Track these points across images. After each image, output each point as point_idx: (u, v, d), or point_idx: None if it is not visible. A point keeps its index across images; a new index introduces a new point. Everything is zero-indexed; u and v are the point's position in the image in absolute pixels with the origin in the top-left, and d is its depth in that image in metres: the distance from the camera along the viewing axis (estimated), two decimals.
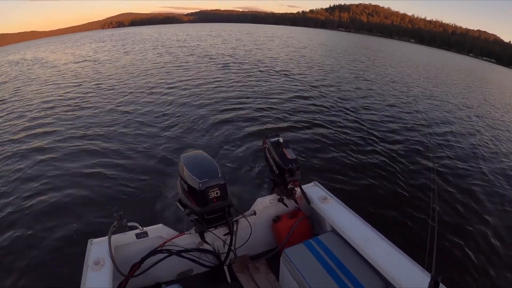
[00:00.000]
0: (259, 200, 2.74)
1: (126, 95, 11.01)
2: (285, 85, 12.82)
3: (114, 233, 2.21)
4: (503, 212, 5.35)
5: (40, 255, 3.77)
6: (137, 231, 2.31)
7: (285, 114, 8.88)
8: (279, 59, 21.06)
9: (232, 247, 2.43)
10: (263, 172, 5.12)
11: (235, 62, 18.31)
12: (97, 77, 14.94)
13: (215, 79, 13.37)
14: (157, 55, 22.30)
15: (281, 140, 2.60)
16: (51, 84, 14.10)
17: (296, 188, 2.66)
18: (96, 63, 20.28)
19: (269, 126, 7.79)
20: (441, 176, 6.13)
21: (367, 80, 16.21)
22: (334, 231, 2.47)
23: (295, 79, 14.37)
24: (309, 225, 2.78)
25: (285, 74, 15.30)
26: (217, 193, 2.20)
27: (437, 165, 6.57)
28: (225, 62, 18.22)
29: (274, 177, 2.66)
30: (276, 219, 2.79)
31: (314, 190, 2.79)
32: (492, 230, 4.76)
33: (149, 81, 13.39)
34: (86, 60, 21.96)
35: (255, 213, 2.68)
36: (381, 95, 12.90)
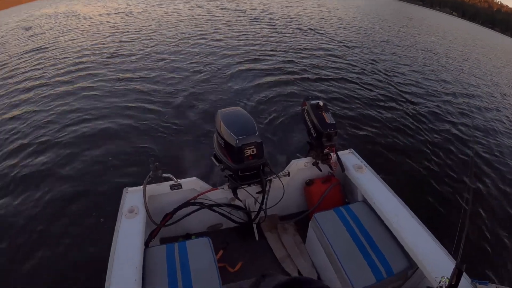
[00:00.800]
0: (294, 161, 2.72)
1: (160, 47, 10.93)
2: (323, 45, 12.22)
3: (149, 183, 2.26)
4: None
5: (74, 202, 3.91)
6: (172, 182, 2.35)
7: (324, 75, 8.52)
8: (315, 19, 19.97)
9: (263, 206, 2.45)
10: (300, 134, 4.98)
11: (269, 18, 17.50)
12: (130, 28, 14.89)
13: (251, 34, 12.86)
14: (188, 8, 21.70)
15: (321, 103, 2.53)
16: (87, 34, 14.21)
17: (332, 154, 2.61)
18: (129, 14, 20.13)
19: (308, 86, 7.53)
20: (481, 162, 5.78)
21: (411, 48, 15.33)
22: (365, 201, 2.44)
23: (332, 39, 13.68)
24: (340, 192, 2.76)
25: (322, 34, 14.54)
26: (253, 151, 2.19)
27: (478, 148, 6.23)
28: (259, 17, 17.43)
29: (311, 140, 2.63)
30: (309, 183, 2.78)
31: (350, 158, 2.73)
32: None
33: (183, 33, 13.13)
34: (119, 12, 21.82)
35: (288, 175, 2.66)
36: (427, 67, 12.09)
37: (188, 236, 2.63)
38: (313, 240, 2.41)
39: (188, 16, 18.04)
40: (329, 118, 2.47)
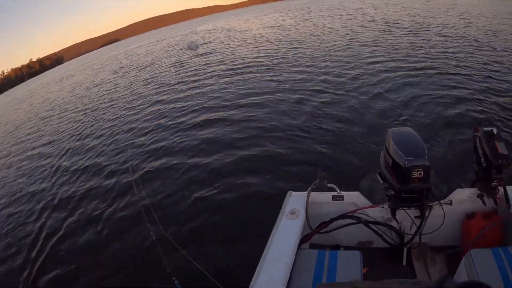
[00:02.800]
0: (458, 190, 2.55)
1: (328, 60, 11.65)
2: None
3: (313, 190, 2.44)
4: None
5: (237, 199, 4.58)
6: (334, 193, 2.48)
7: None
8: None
9: (420, 231, 2.39)
10: (467, 162, 4.46)
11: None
12: (285, 40, 17.39)
13: (406, 46, 11.76)
14: (343, 22, 21.31)
15: (494, 131, 2.32)
16: (249, 45, 17.48)
17: (499, 187, 2.36)
18: (282, 29, 22.68)
19: (480, 109, 6.27)
20: None
21: None
22: None
23: None
24: (501, 231, 2.47)
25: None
26: (420, 173, 2.15)
27: None
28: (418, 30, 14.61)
29: (479, 170, 2.43)
30: (470, 216, 2.56)
31: None
32: None
33: (334, 45, 13.75)
34: (272, 27, 24.44)
35: (450, 203, 2.51)
36: None
37: (337, 247, 2.68)
38: (462, 278, 2.18)
39: (335, 29, 18.93)
40: (501, 148, 2.24)
